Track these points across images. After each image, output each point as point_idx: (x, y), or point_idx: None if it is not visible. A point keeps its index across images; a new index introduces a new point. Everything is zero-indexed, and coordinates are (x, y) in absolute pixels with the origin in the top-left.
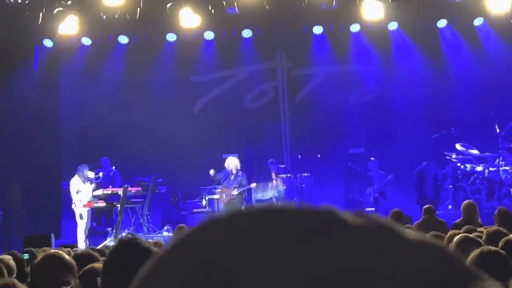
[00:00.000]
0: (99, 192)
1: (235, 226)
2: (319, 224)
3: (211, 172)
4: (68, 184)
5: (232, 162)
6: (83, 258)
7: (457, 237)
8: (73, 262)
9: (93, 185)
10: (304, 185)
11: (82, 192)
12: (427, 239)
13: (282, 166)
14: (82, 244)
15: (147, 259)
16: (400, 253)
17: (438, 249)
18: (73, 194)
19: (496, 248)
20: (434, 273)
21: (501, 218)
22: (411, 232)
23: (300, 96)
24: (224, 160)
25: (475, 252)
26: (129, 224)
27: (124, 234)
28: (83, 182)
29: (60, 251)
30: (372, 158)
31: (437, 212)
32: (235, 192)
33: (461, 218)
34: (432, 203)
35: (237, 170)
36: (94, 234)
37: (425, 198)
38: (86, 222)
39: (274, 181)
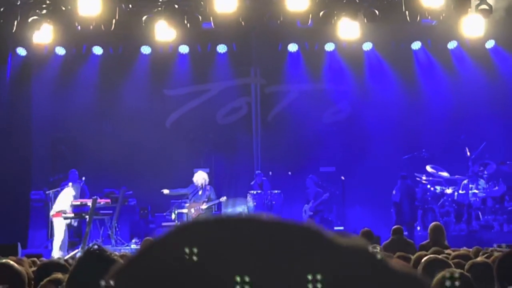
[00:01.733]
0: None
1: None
2: (301, 238)
3: (165, 191)
4: (38, 194)
5: (200, 177)
6: (50, 267)
7: (426, 257)
8: (23, 271)
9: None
10: (274, 202)
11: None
12: (412, 272)
13: (264, 178)
14: (58, 255)
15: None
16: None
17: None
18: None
19: (461, 271)
20: None
21: (435, 232)
22: (397, 262)
23: (273, 113)
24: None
25: (441, 274)
26: (97, 236)
27: (91, 244)
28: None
29: (10, 260)
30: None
31: (405, 232)
32: (204, 206)
33: (428, 240)
34: (410, 225)
35: (205, 185)
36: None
37: (402, 223)
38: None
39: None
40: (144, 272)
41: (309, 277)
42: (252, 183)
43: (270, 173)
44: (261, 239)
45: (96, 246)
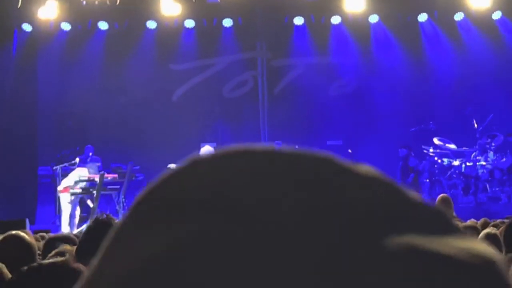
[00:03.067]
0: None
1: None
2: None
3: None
4: (45, 169)
5: (207, 152)
6: (58, 240)
7: None
8: (33, 242)
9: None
10: None
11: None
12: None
13: None
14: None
15: None
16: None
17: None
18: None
19: None
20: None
21: (442, 205)
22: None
23: (279, 86)
24: (201, 150)
25: None
26: (105, 211)
27: (100, 213)
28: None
29: (21, 232)
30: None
31: None
32: None
33: None
34: None
35: None
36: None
37: None
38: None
39: None
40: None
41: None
42: None
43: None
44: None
45: (104, 216)
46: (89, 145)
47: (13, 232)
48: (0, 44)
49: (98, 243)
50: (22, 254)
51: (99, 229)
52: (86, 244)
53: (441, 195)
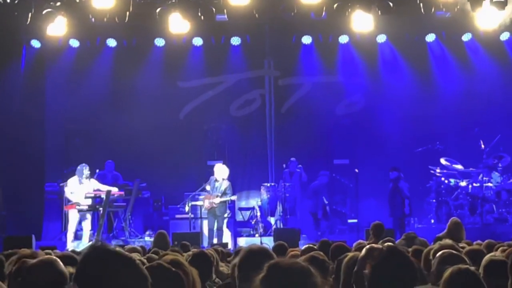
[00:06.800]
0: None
1: None
2: None
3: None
4: (52, 186)
5: (218, 170)
6: (64, 260)
7: (441, 252)
8: (65, 271)
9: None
10: (287, 195)
11: (76, 193)
12: None
13: (298, 170)
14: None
15: (119, 266)
16: None
17: None
18: (67, 194)
19: (467, 267)
20: None
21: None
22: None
23: (286, 105)
24: (208, 167)
25: (450, 270)
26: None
27: (93, 241)
28: (80, 182)
29: (55, 257)
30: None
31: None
32: (216, 200)
33: (445, 233)
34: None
35: (222, 179)
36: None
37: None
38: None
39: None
40: None
41: None
42: (285, 170)
43: (284, 165)
44: None
45: (99, 243)
46: (110, 161)
47: (46, 256)
48: (8, 60)
49: (95, 272)
50: (54, 283)
51: (93, 258)
52: (83, 271)
53: (453, 218)
